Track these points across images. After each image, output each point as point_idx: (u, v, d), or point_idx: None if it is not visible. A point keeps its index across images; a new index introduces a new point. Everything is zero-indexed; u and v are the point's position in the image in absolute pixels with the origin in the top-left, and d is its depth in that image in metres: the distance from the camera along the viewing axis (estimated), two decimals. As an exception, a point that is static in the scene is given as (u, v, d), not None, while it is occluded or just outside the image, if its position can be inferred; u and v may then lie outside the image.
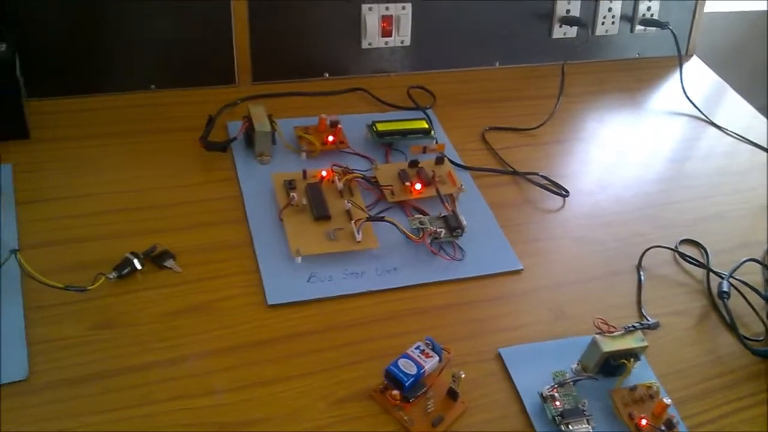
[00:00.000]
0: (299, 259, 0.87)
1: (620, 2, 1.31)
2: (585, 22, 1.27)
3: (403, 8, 1.17)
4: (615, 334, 0.78)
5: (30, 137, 0.98)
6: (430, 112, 1.15)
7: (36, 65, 1.01)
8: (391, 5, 1.16)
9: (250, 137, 1.00)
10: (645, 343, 0.78)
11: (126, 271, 0.82)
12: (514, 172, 1.06)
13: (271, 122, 1.00)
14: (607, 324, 0.78)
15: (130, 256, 0.82)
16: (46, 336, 0.76)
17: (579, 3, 1.28)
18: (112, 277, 0.81)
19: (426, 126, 1.07)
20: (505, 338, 0.82)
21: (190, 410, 0.71)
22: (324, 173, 0.96)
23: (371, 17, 1.16)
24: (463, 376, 0.73)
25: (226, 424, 0.71)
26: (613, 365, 0.77)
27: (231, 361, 0.76)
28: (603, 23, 1.31)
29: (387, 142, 1.05)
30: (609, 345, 0.76)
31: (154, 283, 0.83)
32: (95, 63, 1.07)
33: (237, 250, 0.88)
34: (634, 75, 1.34)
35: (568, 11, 1.27)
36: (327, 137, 1.03)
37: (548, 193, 1.04)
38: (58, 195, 0.91)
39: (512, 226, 0.97)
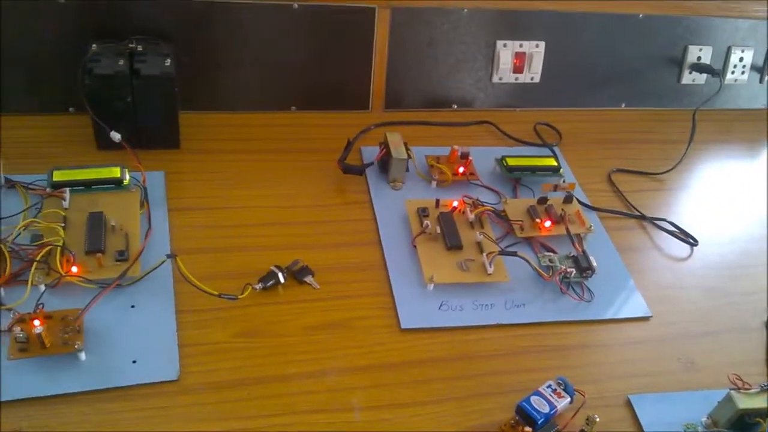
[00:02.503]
0: (431, 287, 0.89)
1: (752, 51, 1.29)
2: (717, 71, 1.26)
3: (537, 46, 1.19)
4: (751, 391, 0.77)
5: (180, 147, 1.05)
6: (555, 149, 1.16)
7: (187, 80, 1.07)
8: (525, 43, 1.18)
9: (385, 163, 1.04)
10: (781, 403, 0.77)
11: (270, 283, 0.86)
12: (642, 217, 1.06)
13: (407, 150, 1.03)
14: (741, 380, 0.78)
15: (275, 269, 0.86)
16: (196, 339, 0.80)
17: (710, 50, 1.27)
18: (258, 287, 0.85)
19: (555, 164, 1.09)
20: (634, 385, 0.83)
21: (330, 424, 0.74)
22: (456, 203, 0.99)
23: (505, 54, 1.18)
24: (597, 420, 0.73)
25: (365, 441, 0.73)
26: (746, 423, 0.76)
27: (367, 380, 0.79)
28: (733, 72, 1.30)
29: (516, 177, 1.07)
30: (745, 402, 0.76)
31: (294, 297, 0.86)
32: (240, 82, 1.12)
33: (371, 272, 0.91)
34: (762, 126, 1.32)
35: (699, 58, 1.27)
36: (458, 168, 1.05)
37: (676, 240, 1.03)
38: (207, 205, 0.97)
39: (639, 271, 0.97)
